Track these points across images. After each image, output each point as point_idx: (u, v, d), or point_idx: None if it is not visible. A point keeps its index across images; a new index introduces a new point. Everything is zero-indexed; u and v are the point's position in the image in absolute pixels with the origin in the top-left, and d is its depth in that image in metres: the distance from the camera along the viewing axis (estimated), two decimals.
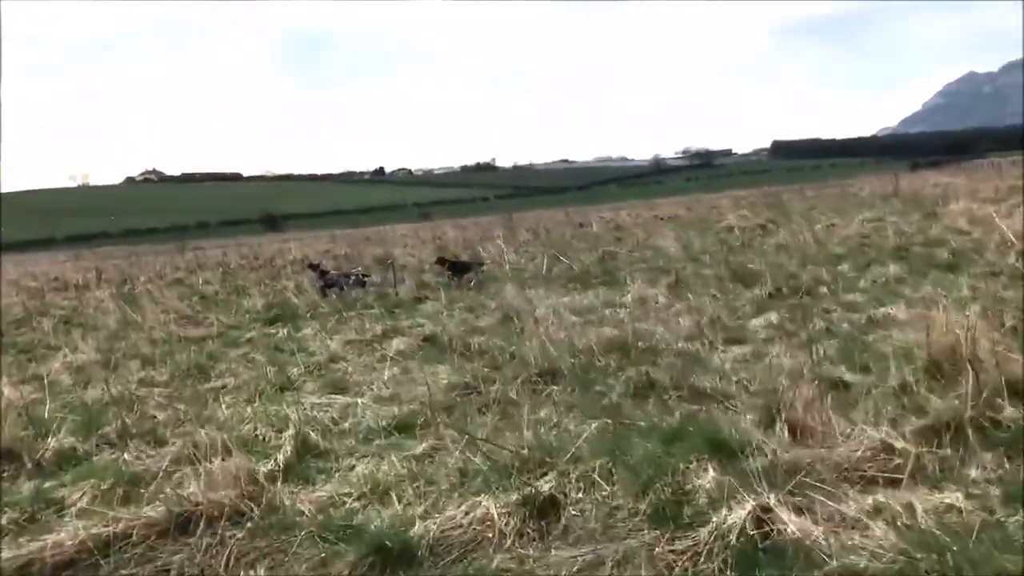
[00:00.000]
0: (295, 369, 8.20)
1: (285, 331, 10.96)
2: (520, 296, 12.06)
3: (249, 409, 6.70)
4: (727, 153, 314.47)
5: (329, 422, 6.12)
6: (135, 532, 4.17)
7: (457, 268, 14.82)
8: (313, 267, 15.90)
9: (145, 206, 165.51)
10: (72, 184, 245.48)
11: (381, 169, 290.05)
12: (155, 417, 6.80)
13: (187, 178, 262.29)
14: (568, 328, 8.96)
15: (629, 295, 10.51)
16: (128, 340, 11.33)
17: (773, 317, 8.47)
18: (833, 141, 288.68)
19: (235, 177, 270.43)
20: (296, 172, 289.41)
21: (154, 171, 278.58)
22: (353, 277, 14.75)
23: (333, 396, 7.02)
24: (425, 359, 8.14)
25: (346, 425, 6.05)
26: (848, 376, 6.02)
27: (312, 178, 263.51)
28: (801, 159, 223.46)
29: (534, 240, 24.41)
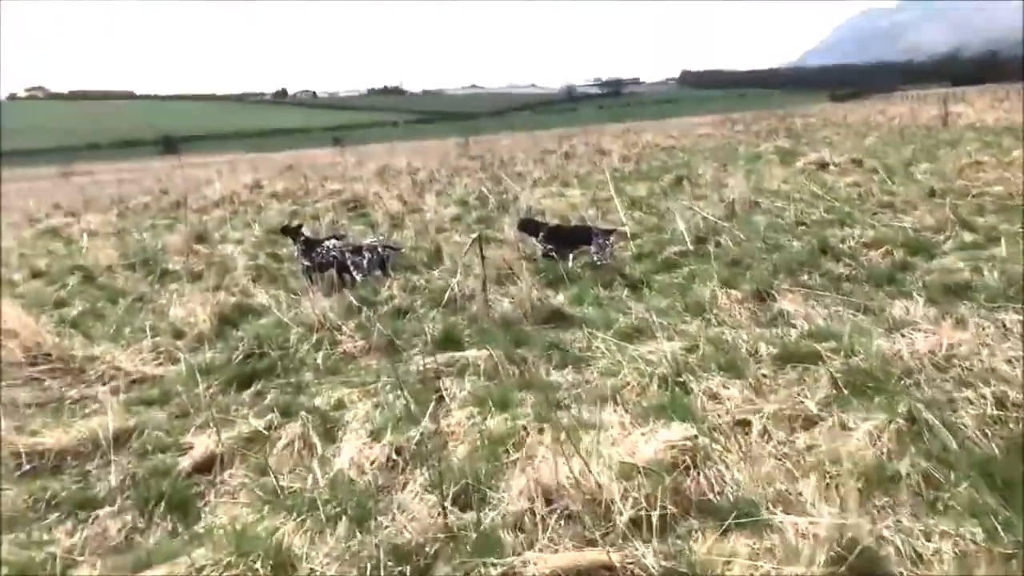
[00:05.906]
0: None
1: (298, 444, 4.37)
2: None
3: None
4: (636, 82, 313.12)
5: None
6: None
7: (563, 239, 8.47)
8: (291, 232, 8.90)
9: (30, 125, 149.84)
10: None
11: (283, 91, 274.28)
12: None
13: (76, 95, 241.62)
14: None
15: None
16: None
17: None
18: (739, 72, 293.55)
19: (128, 95, 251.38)
20: (191, 92, 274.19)
21: (39, 87, 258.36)
22: (368, 254, 8.25)
23: None
24: None
25: None
26: None
27: (210, 98, 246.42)
28: (708, 89, 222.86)
29: (553, 175, 17.97)
